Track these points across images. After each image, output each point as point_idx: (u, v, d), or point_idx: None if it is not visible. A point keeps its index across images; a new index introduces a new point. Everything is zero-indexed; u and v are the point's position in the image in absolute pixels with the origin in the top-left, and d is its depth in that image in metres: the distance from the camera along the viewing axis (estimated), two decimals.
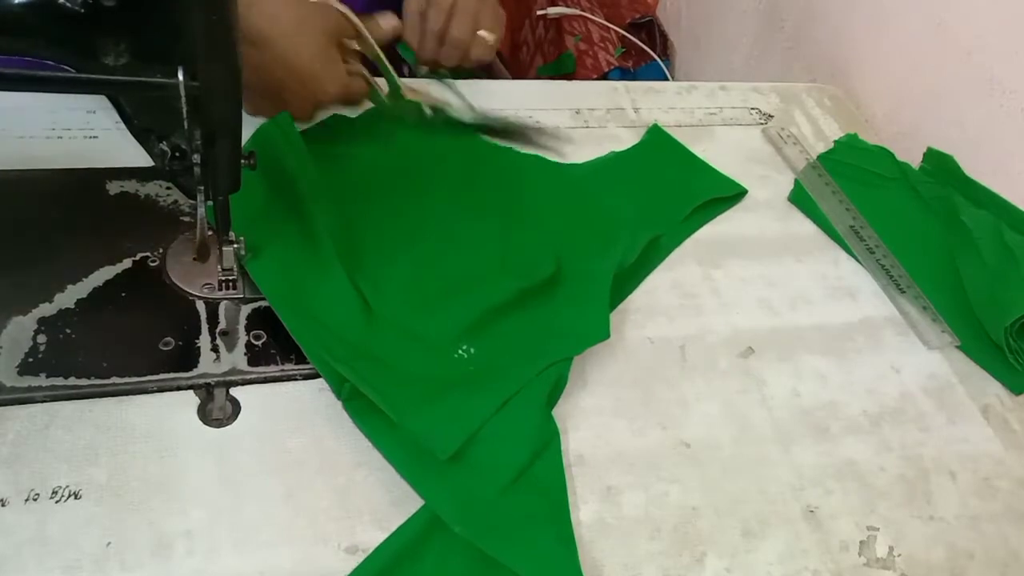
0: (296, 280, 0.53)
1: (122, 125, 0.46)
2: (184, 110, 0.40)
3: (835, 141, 0.77)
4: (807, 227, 0.70)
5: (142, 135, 0.47)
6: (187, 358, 0.50)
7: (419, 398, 0.49)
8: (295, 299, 0.53)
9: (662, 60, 1.26)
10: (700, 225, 0.67)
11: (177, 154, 0.46)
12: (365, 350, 0.51)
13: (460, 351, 0.53)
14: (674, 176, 0.70)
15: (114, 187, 0.58)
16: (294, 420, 0.49)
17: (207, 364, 0.50)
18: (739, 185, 0.71)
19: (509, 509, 0.47)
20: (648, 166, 0.71)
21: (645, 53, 1.27)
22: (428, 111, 0.67)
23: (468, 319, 0.54)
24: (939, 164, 0.73)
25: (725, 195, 0.70)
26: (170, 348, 0.50)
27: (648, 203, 0.67)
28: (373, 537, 0.45)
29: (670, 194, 0.68)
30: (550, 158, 0.69)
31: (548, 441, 0.50)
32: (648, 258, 0.63)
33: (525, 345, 0.54)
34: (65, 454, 0.45)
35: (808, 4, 0.97)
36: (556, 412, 0.52)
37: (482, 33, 0.67)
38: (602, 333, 0.55)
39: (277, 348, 0.51)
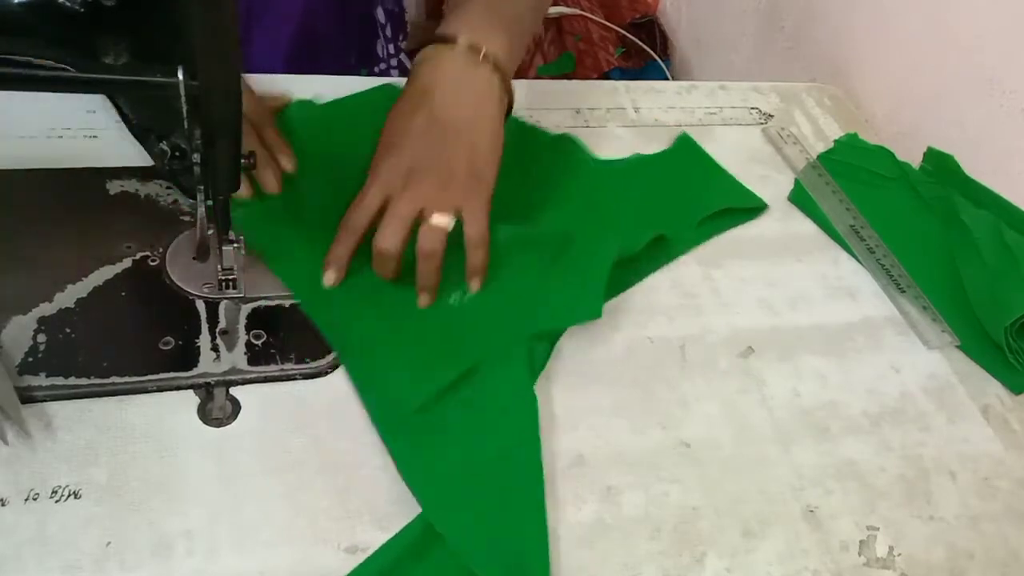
0: (290, 235, 0.56)
1: (122, 125, 0.46)
2: (184, 110, 0.40)
3: (835, 141, 0.77)
4: (807, 227, 0.70)
5: (142, 135, 0.47)
6: (187, 358, 0.50)
7: (398, 349, 0.51)
8: (286, 249, 0.55)
9: (662, 60, 1.27)
10: (712, 234, 0.67)
11: (177, 154, 0.46)
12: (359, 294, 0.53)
13: (453, 298, 0.55)
14: (693, 182, 0.71)
15: (114, 187, 0.58)
16: (294, 420, 0.49)
17: (207, 364, 0.50)
18: (759, 199, 0.70)
19: (480, 489, 0.47)
20: (669, 170, 0.71)
21: (645, 53, 1.27)
22: None
23: (462, 266, 0.55)
24: (939, 164, 0.73)
25: (742, 207, 0.69)
26: (170, 348, 0.50)
27: (662, 203, 0.67)
28: (373, 537, 0.45)
29: (685, 198, 0.68)
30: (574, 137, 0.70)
31: (525, 410, 0.50)
32: (653, 256, 0.63)
33: (515, 306, 0.55)
34: (65, 454, 0.45)
35: (808, 4, 0.97)
36: (556, 412, 0.52)
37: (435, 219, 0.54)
38: (593, 311, 0.56)
39: (277, 348, 0.51)
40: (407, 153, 0.54)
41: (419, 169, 0.54)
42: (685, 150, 0.73)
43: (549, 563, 0.45)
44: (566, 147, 0.70)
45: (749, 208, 0.70)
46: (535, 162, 0.66)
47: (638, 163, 0.71)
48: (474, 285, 0.55)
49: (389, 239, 0.53)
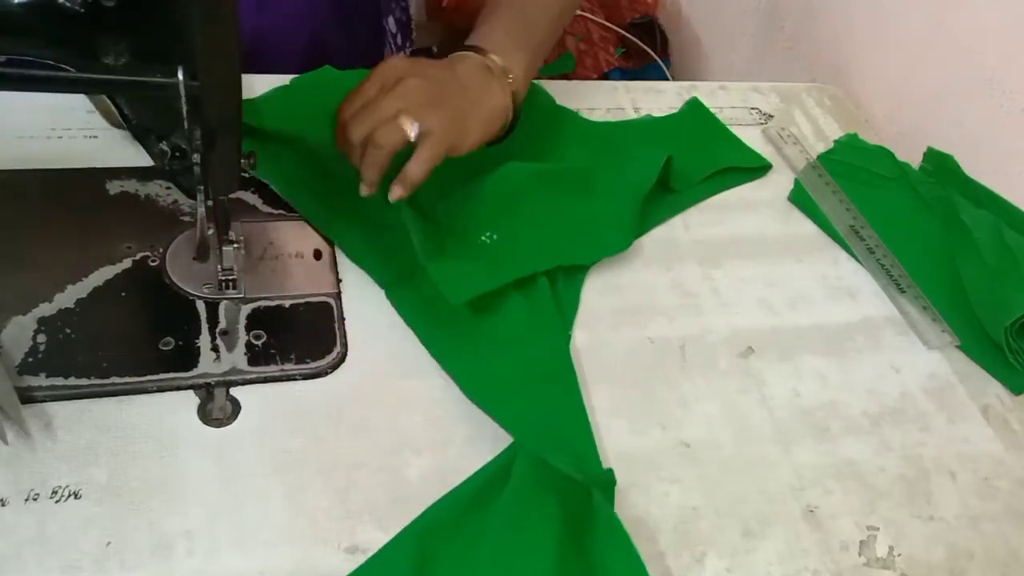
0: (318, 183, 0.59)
1: (122, 125, 0.46)
2: (184, 110, 0.40)
3: (835, 141, 0.77)
4: (807, 227, 0.70)
5: (142, 135, 0.47)
6: (187, 358, 0.50)
7: (444, 254, 0.55)
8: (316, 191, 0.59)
9: (662, 60, 1.27)
10: (718, 190, 0.70)
11: (177, 154, 0.46)
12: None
13: (484, 237, 0.59)
14: (701, 140, 0.73)
15: (114, 187, 0.58)
16: (294, 420, 0.49)
17: (207, 364, 0.50)
18: (763, 159, 0.73)
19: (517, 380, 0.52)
20: (678, 130, 0.74)
21: (645, 53, 1.27)
22: None
23: (492, 206, 0.59)
24: (939, 164, 0.73)
25: (748, 166, 0.72)
26: (170, 348, 0.50)
27: (672, 155, 0.68)
28: (373, 537, 0.45)
29: (693, 153, 0.70)
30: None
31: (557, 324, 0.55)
32: (659, 209, 0.66)
33: (544, 240, 0.59)
34: (65, 454, 0.45)
35: (808, 4, 0.97)
36: None
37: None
38: (622, 244, 0.61)
39: (277, 348, 0.51)
40: (416, 68, 0.56)
41: (419, 77, 0.55)
42: (695, 113, 0.76)
43: (593, 437, 0.50)
44: (570, 112, 0.73)
45: (754, 168, 0.73)
46: (545, 114, 0.71)
47: (650, 122, 0.75)
48: (396, 191, 0.54)
49: (355, 130, 0.53)
